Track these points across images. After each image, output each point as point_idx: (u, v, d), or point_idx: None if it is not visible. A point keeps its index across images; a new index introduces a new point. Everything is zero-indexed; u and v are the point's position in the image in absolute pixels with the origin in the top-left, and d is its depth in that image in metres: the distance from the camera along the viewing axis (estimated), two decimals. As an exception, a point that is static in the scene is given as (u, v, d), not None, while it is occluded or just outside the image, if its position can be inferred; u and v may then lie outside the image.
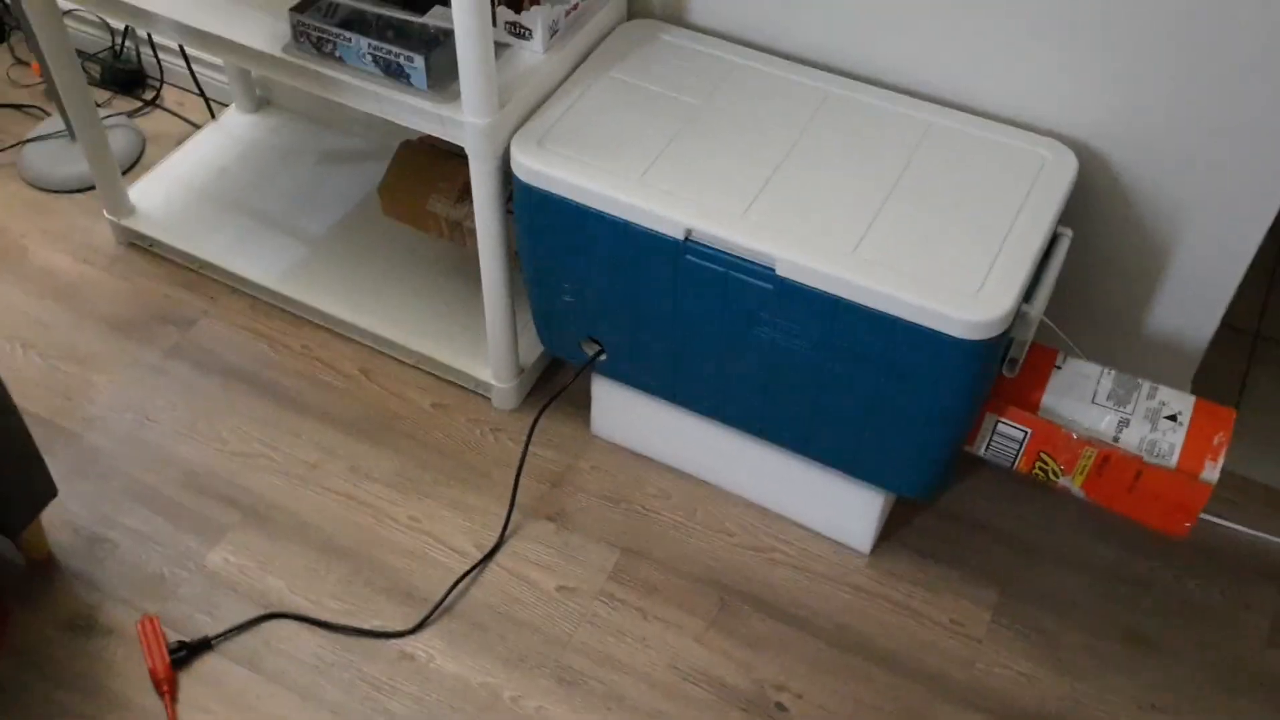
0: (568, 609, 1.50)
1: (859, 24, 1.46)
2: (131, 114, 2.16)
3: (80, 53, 2.20)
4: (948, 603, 1.52)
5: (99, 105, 2.16)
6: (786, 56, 1.52)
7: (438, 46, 1.36)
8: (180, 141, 2.07)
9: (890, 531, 1.59)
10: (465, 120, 1.35)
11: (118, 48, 2.19)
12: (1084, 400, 1.40)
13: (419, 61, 1.36)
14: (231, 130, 2.07)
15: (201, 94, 2.12)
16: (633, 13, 1.59)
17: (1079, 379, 1.42)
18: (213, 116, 2.11)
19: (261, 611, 1.49)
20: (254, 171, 1.99)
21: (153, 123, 2.16)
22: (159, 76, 2.21)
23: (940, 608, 1.52)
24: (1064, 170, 1.37)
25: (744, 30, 1.54)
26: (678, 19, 1.57)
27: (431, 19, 1.33)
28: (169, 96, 2.20)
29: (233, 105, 2.11)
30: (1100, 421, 1.38)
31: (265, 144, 2.04)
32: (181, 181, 1.97)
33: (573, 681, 1.44)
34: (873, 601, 1.52)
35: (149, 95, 2.19)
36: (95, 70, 2.20)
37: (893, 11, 1.43)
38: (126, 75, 2.19)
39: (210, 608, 1.50)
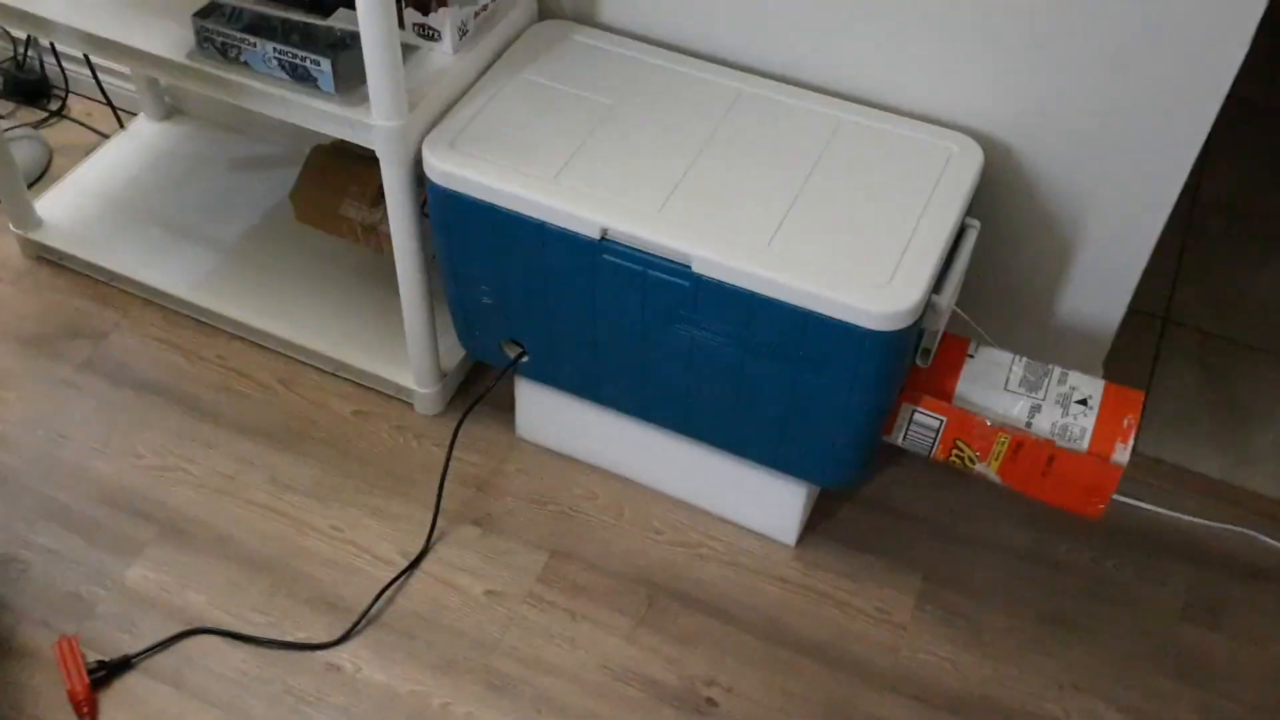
0: (495, 613, 1.50)
1: (769, 23, 1.47)
2: (37, 125, 2.11)
3: (-19, 63, 2.16)
4: (872, 591, 1.54)
5: (2, 117, 2.11)
6: (698, 55, 1.53)
7: (345, 49, 1.35)
8: (88, 152, 2.02)
9: (815, 523, 1.61)
10: (374, 123, 1.34)
11: (20, 57, 2.14)
12: (997, 387, 1.42)
13: (325, 65, 1.34)
14: (141, 139, 2.03)
15: (108, 103, 2.08)
16: (543, 13, 1.58)
17: (991, 367, 1.44)
18: (121, 126, 2.07)
19: (182, 628, 1.47)
20: (164, 180, 1.96)
21: (59, 133, 2.11)
22: (64, 86, 2.16)
23: (865, 596, 1.54)
24: (970, 163, 1.39)
25: (655, 30, 1.55)
26: (589, 19, 1.57)
27: (336, 21, 1.32)
28: (75, 106, 2.15)
29: (141, 114, 2.07)
30: (1013, 408, 1.41)
31: (176, 152, 2.01)
32: (90, 192, 1.93)
33: (502, 686, 1.43)
34: (799, 593, 1.54)
35: (54, 106, 2.14)
36: (5, 77, 2.15)
37: (802, 11, 1.44)
38: (30, 85, 2.14)
39: (129, 626, 1.47)
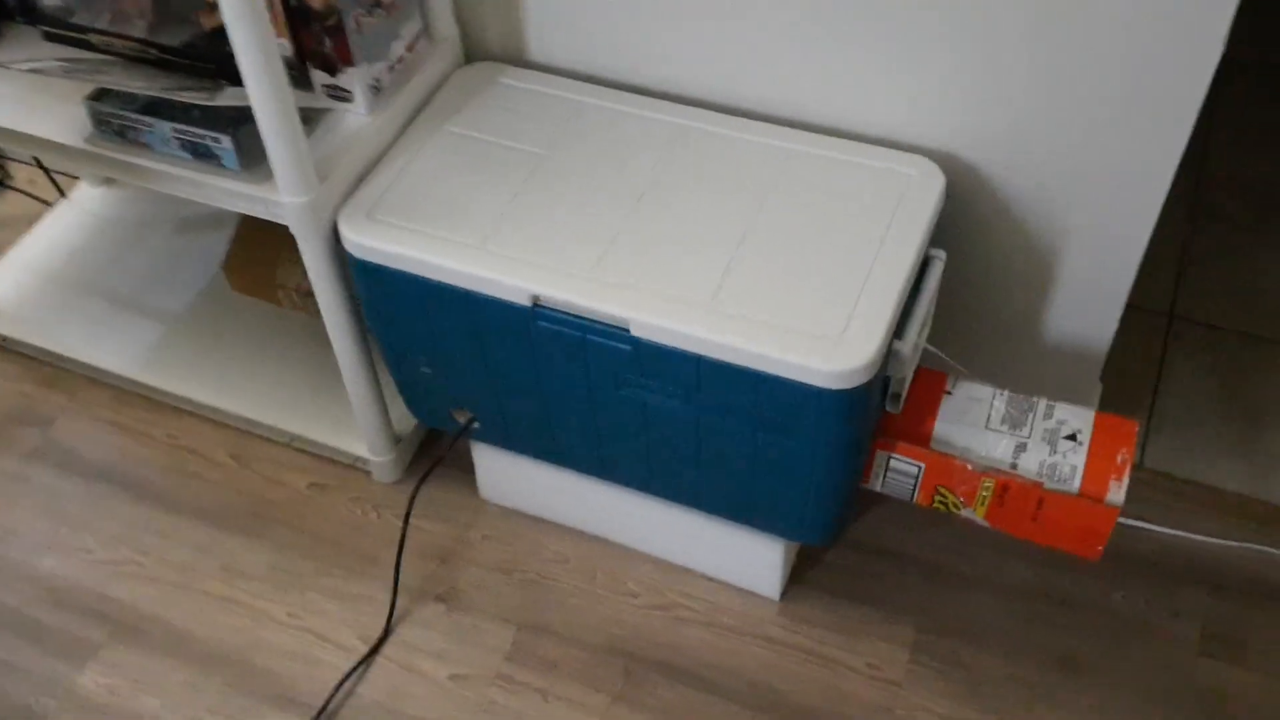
0: (462, 698, 1.42)
1: (709, 50, 1.37)
2: (-22, 198, 2.04)
3: (-81, 137, 2.08)
4: (863, 645, 1.44)
5: (-57, 192, 2.04)
6: (638, 90, 1.43)
7: (246, 123, 1.26)
8: (32, 223, 1.95)
9: (800, 573, 1.51)
10: (283, 200, 1.25)
11: (-42, 128, 2.07)
12: (978, 426, 1.32)
13: (226, 141, 1.25)
14: (82, 206, 1.95)
15: (45, 171, 2.00)
16: (470, 55, 1.49)
17: (971, 404, 1.34)
18: (62, 194, 1.99)
19: (136, 738, 1.40)
20: (107, 249, 1.88)
21: (4, 205, 2.04)
22: (2, 155, 2.08)
23: (856, 652, 1.44)
24: (930, 187, 1.28)
25: (589, 66, 1.44)
26: (518, 58, 1.47)
27: (225, 100, 1.22)
28: (20, 174, 2.08)
29: (82, 179, 1.99)
30: (996, 448, 1.30)
31: (118, 218, 1.93)
32: (32, 269, 1.86)
33: (471, 780, 1.35)
34: (786, 653, 1.44)
35: (-3, 175, 2.07)
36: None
37: (743, 35, 1.33)
38: (-32, 158, 2.07)
39: (83, 738, 1.40)
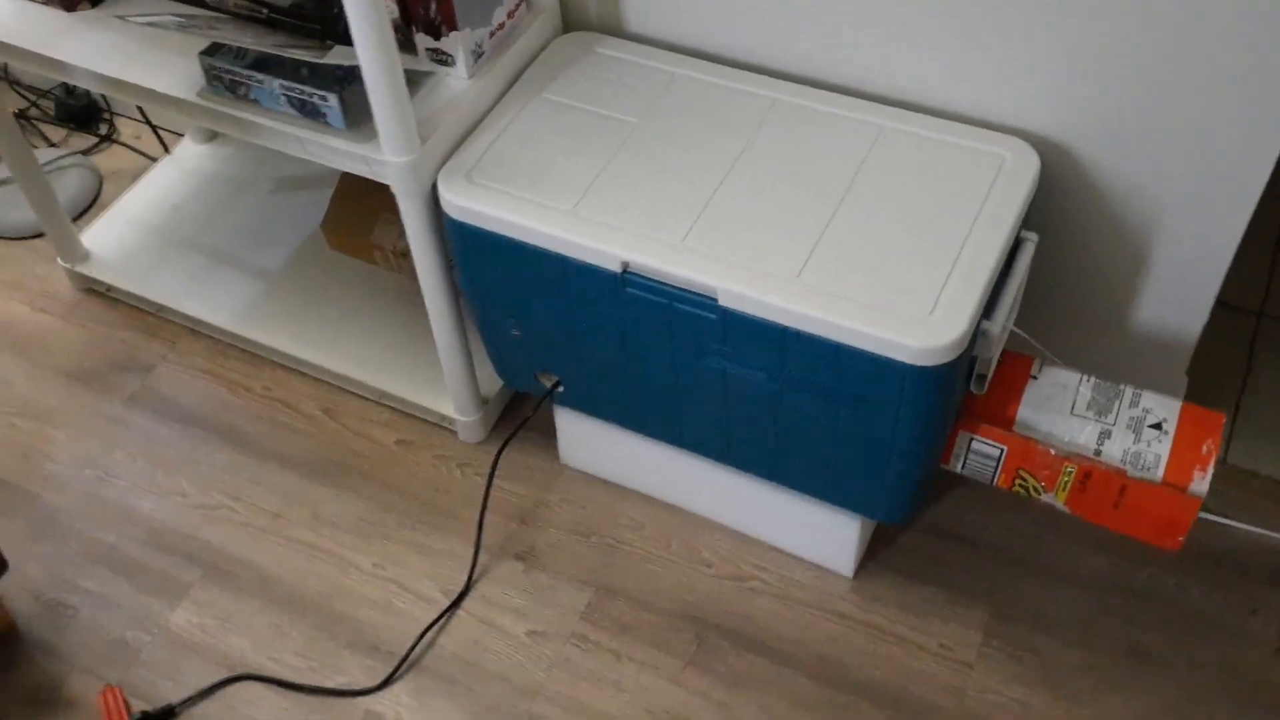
0: (538, 655, 1.45)
1: (805, 24, 1.37)
2: (87, 151, 2.11)
3: (34, 89, 2.16)
4: (935, 627, 1.45)
5: (54, 144, 2.11)
6: (731, 63, 1.44)
7: (353, 83, 1.29)
8: (136, 177, 2.01)
9: (875, 550, 1.52)
10: (386, 159, 1.29)
11: (69, 84, 2.14)
12: (1063, 412, 1.31)
13: (333, 100, 1.29)
14: (185, 163, 2.01)
15: (152, 127, 2.07)
16: (568, 26, 1.51)
17: (1057, 389, 1.33)
18: (166, 150, 2.05)
19: (225, 675, 1.45)
20: (208, 206, 1.94)
21: (110, 159, 2.11)
22: (110, 110, 2.15)
23: (928, 632, 1.45)
24: (1025, 170, 1.28)
25: (685, 37, 1.46)
26: (615, 29, 1.49)
27: (334, 58, 1.26)
28: (125, 130, 2.15)
29: (186, 136, 2.05)
30: (1080, 434, 1.30)
31: (219, 175, 1.98)
32: (135, 222, 1.92)
33: (543, 733, 1.39)
34: (857, 629, 1.45)
35: (104, 130, 2.14)
36: (49, 108, 2.15)
37: (839, 9, 1.34)
38: (80, 111, 2.14)
39: (173, 673, 1.46)
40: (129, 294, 1.84)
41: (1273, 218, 1.86)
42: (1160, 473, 1.26)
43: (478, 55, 1.37)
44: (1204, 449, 1.27)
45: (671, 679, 1.42)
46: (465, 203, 1.29)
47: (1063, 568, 1.49)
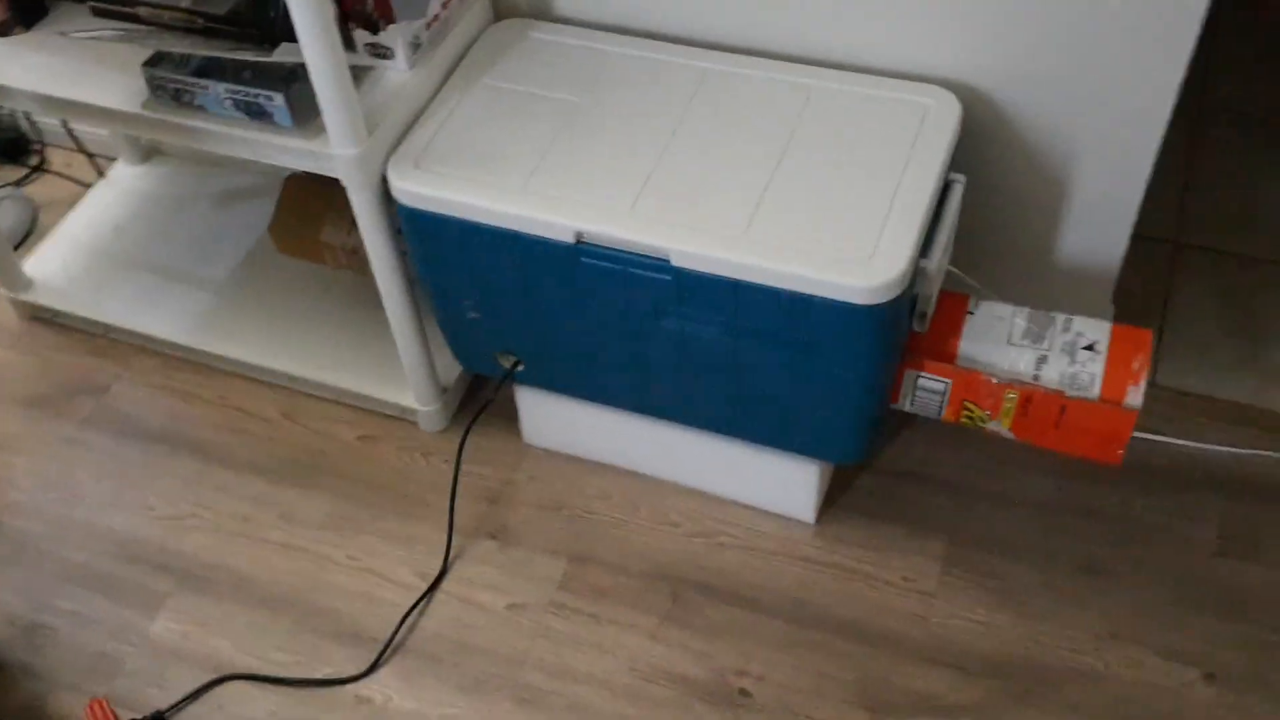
0: (520, 626, 1.49)
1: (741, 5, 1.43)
2: (19, 183, 2.10)
3: (-44, 127, 2.15)
4: (897, 561, 1.51)
5: (-15, 178, 2.11)
6: (660, 37, 1.50)
7: (297, 81, 1.33)
8: (72, 204, 2.01)
9: (834, 497, 1.58)
10: (335, 153, 1.32)
11: (-6, 117, 2.14)
12: (1000, 342, 1.39)
13: (279, 99, 1.32)
14: (121, 185, 2.02)
15: (84, 153, 2.07)
16: (499, 14, 1.55)
17: (993, 321, 1.41)
18: (100, 174, 2.06)
19: (211, 676, 1.47)
20: (149, 224, 1.95)
21: (43, 188, 2.10)
22: (40, 140, 2.15)
23: (890, 567, 1.51)
24: (948, 116, 1.35)
25: (614, 17, 1.51)
26: (546, 14, 1.54)
27: (280, 56, 1.29)
28: (56, 159, 2.15)
29: (120, 159, 2.06)
30: (1019, 361, 1.37)
31: (157, 194, 2.00)
32: (77, 246, 1.93)
33: (532, 700, 1.42)
34: (824, 571, 1.51)
35: (35, 161, 2.14)
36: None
37: (756, -21, 1.40)
38: (9, 143, 2.13)
39: (159, 680, 1.47)
40: (77, 318, 1.84)
41: (1181, 150, 1.96)
42: (1097, 390, 1.34)
43: (416, 46, 1.41)
44: (1135, 365, 1.35)
45: (651, 635, 1.47)
46: (416, 188, 1.33)
47: (1013, 494, 1.57)
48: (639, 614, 1.49)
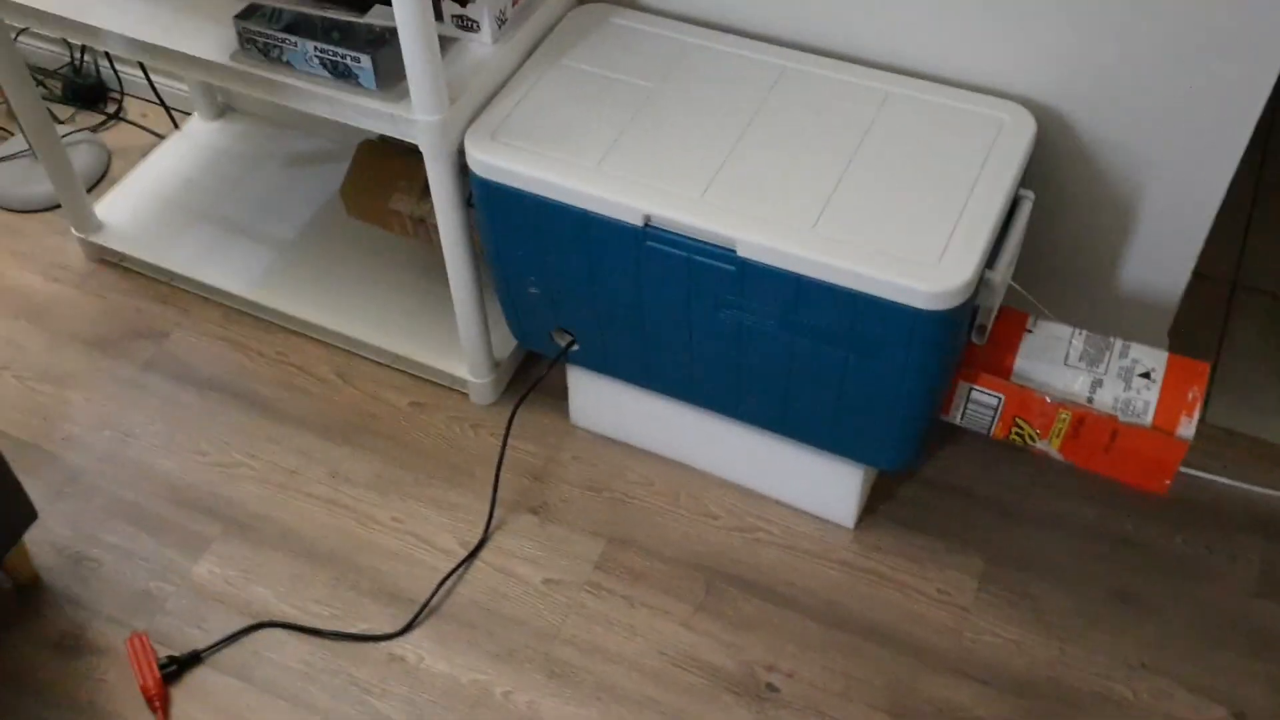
0: (555, 601, 1.50)
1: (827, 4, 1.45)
2: (95, 129, 2.15)
3: (40, 69, 2.20)
4: (934, 573, 1.52)
5: (61, 122, 2.15)
6: (740, 32, 1.51)
7: (384, 45, 1.35)
8: (145, 154, 2.05)
9: (874, 505, 1.59)
10: (416, 118, 1.34)
11: (77, 63, 2.18)
12: (1056, 363, 1.39)
13: (365, 61, 1.35)
14: (195, 139, 2.06)
15: (163, 104, 2.11)
16: (585, -2, 1.57)
17: (1051, 341, 1.41)
18: (176, 126, 2.10)
19: (249, 622, 1.49)
20: (220, 179, 1.98)
21: (117, 136, 2.15)
22: (119, 89, 2.19)
23: (926, 578, 1.51)
24: (1022, 132, 1.35)
25: (695, 8, 1.52)
26: (629, 1, 1.55)
27: (373, 18, 1.31)
28: (132, 109, 2.19)
29: (195, 114, 2.10)
30: (1074, 383, 1.37)
31: (230, 151, 2.03)
32: (148, 194, 1.97)
33: (563, 674, 1.44)
34: (860, 576, 1.52)
35: (111, 109, 2.18)
36: (56, 87, 2.19)
37: (843, -18, 1.41)
38: (88, 90, 2.17)
39: (198, 621, 1.50)
40: (142, 263, 1.88)
41: (1247, 194, 1.95)
42: (1150, 418, 1.34)
43: (501, 22, 1.43)
44: (1189, 396, 1.35)
45: (682, 623, 1.48)
46: (492, 160, 1.35)
47: (1054, 517, 1.57)
48: (673, 600, 1.50)
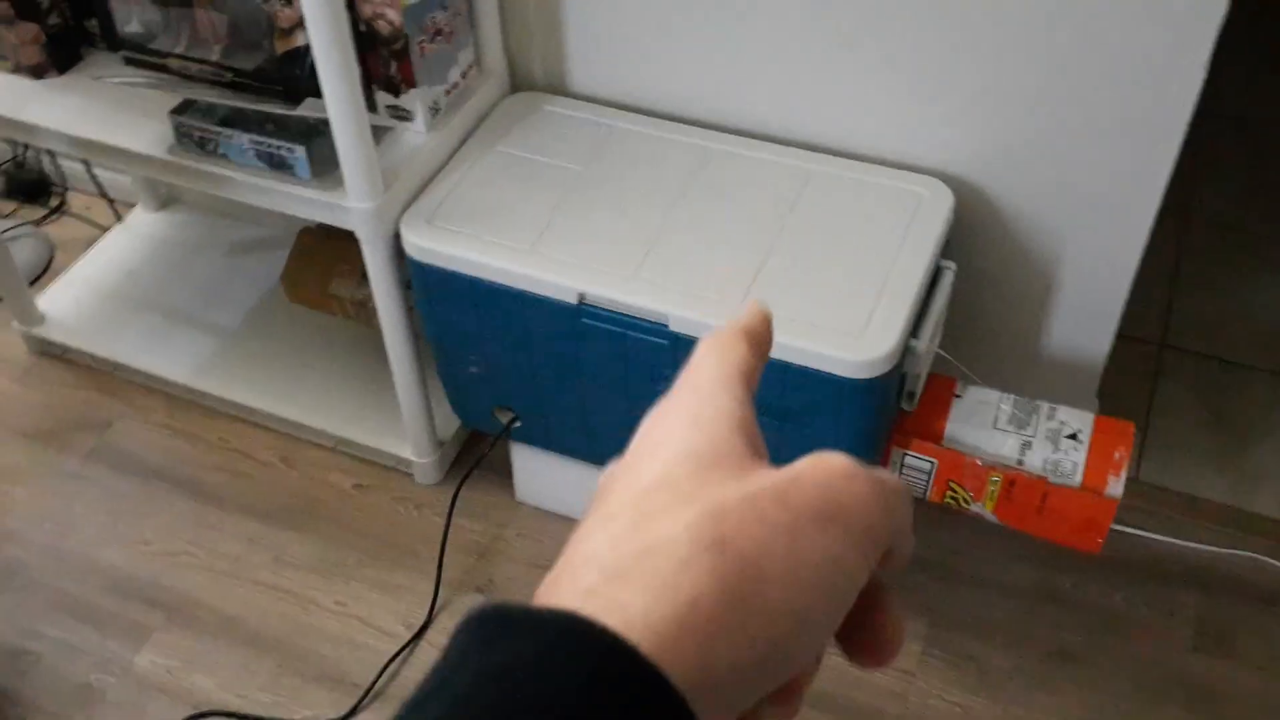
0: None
1: (732, 80, 1.49)
2: (38, 222, 2.16)
3: (-17, 165, 2.21)
4: (877, 638, 1.53)
5: (4, 216, 2.16)
6: (668, 117, 1.56)
7: (318, 135, 1.38)
8: (89, 245, 2.07)
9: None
10: (351, 205, 1.37)
11: (20, 157, 2.20)
12: (986, 426, 1.42)
13: (300, 152, 1.37)
14: (138, 230, 2.07)
15: (105, 197, 2.13)
16: (515, 86, 1.61)
17: (980, 406, 1.45)
18: (119, 218, 2.11)
19: (190, 712, 1.48)
20: (163, 269, 2.00)
21: (61, 229, 2.16)
22: (62, 183, 2.21)
23: (870, 643, 1.53)
24: (940, 205, 1.40)
25: (625, 95, 1.57)
26: (560, 89, 1.60)
27: (305, 111, 1.35)
28: (75, 202, 2.20)
29: (139, 205, 2.11)
30: (1004, 446, 1.41)
31: (173, 241, 2.05)
32: (90, 285, 1.98)
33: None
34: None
35: (54, 203, 2.19)
36: (6, 178, 2.20)
37: (764, 66, 1.46)
38: (31, 184, 2.19)
39: (139, 714, 1.48)
40: (85, 354, 1.88)
41: (1170, 257, 2.02)
42: (1079, 478, 1.37)
43: (435, 111, 1.46)
44: (1116, 455, 1.38)
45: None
46: (428, 244, 1.38)
47: (994, 578, 1.59)
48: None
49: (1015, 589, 1.58)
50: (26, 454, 1.78)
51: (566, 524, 1.66)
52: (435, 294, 1.42)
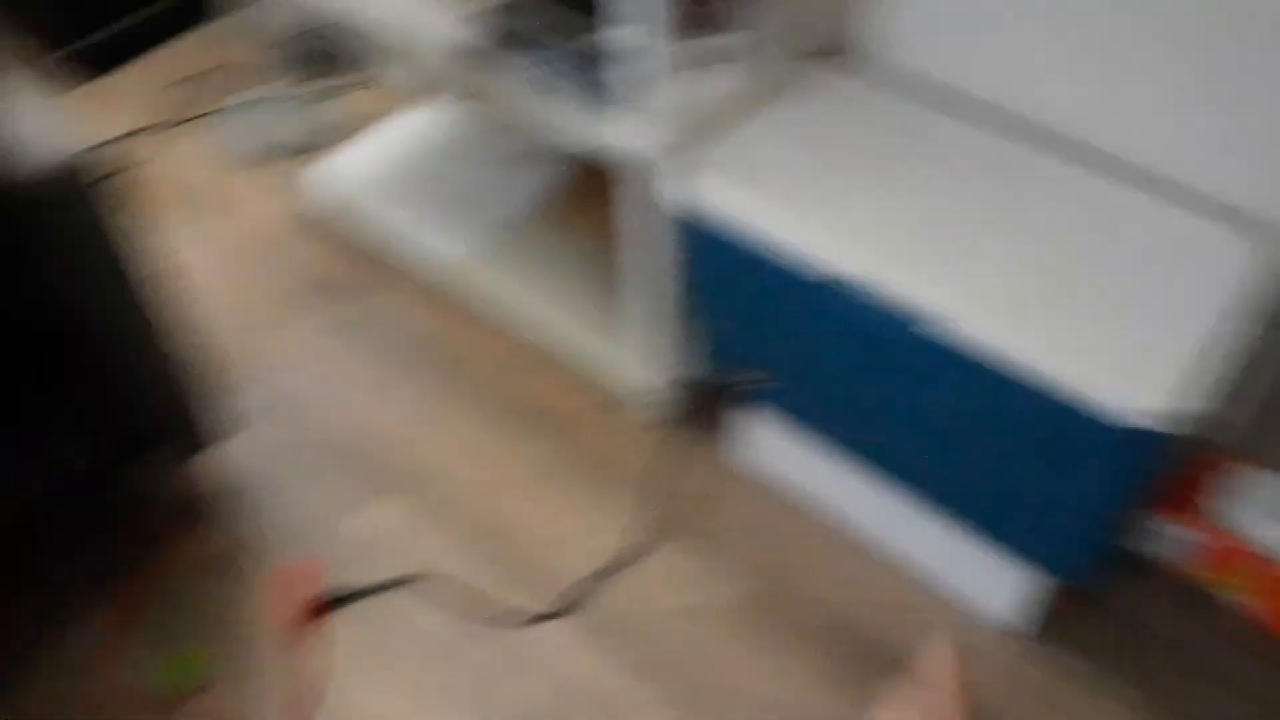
0: (691, 631, 1.50)
1: (1078, 86, 1.38)
2: (332, 92, 2.27)
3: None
4: (1088, 702, 1.43)
5: (300, 83, 2.29)
6: (992, 109, 1.47)
7: (606, 66, 1.37)
8: (376, 122, 2.17)
9: (1046, 616, 1.51)
10: (628, 143, 1.37)
11: (322, 32, 2.30)
12: (1262, 511, 1.30)
13: (587, 81, 1.37)
14: (432, 117, 2.15)
15: (399, 80, 2.22)
16: (831, 52, 1.56)
17: (1261, 486, 1.32)
18: (411, 102, 2.20)
19: (406, 574, 1.55)
20: (446, 159, 2.07)
21: (356, 103, 2.27)
22: (360, 59, 2.31)
23: (1080, 707, 1.43)
24: (1271, 263, 1.27)
25: (953, 79, 1.48)
26: (881, 62, 1.53)
27: (603, 40, 1.34)
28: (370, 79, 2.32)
29: (438, 94, 2.20)
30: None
31: (464, 134, 2.12)
32: (373, 161, 2.07)
33: (687, 700, 1.43)
34: (1012, 683, 1.45)
35: (353, 77, 2.29)
36: (301, 49, 2.32)
37: (1105, 75, 1.36)
38: (329, 56, 2.29)
39: (357, 564, 1.57)
40: (355, 227, 1.99)
41: None
42: (1361, 595, 1.23)
43: (746, 56, 1.43)
44: None
45: (816, 684, 1.45)
46: (709, 195, 1.35)
47: (1235, 679, 1.45)
48: (812, 657, 1.47)
49: (1258, 697, 1.44)
50: (292, 309, 1.91)
51: (781, 496, 1.63)
52: (705, 245, 1.40)
